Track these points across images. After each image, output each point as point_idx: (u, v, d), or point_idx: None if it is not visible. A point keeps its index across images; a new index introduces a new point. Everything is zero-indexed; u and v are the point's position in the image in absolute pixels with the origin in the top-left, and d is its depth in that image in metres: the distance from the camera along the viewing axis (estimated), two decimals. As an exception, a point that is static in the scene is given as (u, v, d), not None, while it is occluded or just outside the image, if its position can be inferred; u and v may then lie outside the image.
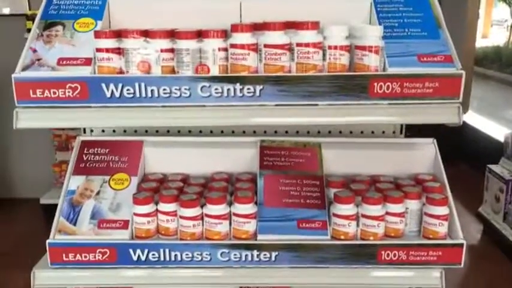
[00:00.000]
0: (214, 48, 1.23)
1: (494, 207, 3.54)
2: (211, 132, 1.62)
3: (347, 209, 1.29)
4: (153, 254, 1.29)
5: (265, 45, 1.22)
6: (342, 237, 1.29)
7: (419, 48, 1.26)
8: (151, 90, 1.22)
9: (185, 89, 1.21)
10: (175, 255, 1.29)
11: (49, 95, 1.21)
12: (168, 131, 1.61)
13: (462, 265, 1.29)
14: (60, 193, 1.38)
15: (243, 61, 1.22)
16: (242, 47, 1.22)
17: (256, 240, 1.29)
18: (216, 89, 1.21)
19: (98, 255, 1.29)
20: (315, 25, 1.22)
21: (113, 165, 1.44)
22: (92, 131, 1.61)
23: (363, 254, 1.29)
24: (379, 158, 1.50)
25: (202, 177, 1.47)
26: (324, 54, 1.24)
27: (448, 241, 1.30)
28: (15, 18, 3.82)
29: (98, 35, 1.26)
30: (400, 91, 1.21)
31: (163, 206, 1.31)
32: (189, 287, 1.48)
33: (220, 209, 1.29)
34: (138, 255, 1.29)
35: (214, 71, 1.23)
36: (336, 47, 1.23)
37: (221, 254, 1.28)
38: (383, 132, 1.61)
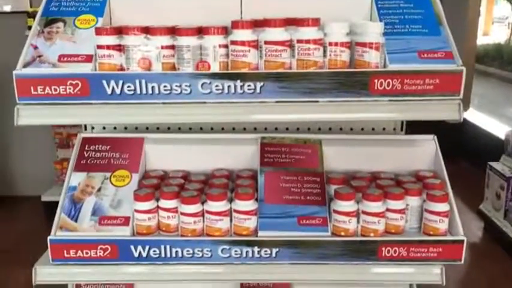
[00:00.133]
0: (214, 45, 1.23)
1: (495, 205, 3.54)
2: (211, 129, 1.62)
3: (347, 205, 1.29)
4: (154, 251, 1.29)
5: (266, 42, 1.22)
6: (343, 233, 1.30)
7: (419, 45, 1.26)
8: (152, 87, 1.22)
9: (186, 85, 1.22)
10: (176, 251, 1.29)
11: (50, 92, 1.22)
12: (169, 128, 1.61)
13: (462, 261, 1.29)
14: (61, 190, 1.39)
15: (244, 58, 1.22)
16: (243, 43, 1.22)
17: (256, 236, 1.30)
18: (216, 85, 1.21)
19: (99, 252, 1.29)
20: (316, 22, 1.22)
21: (113, 162, 1.44)
22: (93, 128, 1.62)
23: (363, 250, 1.29)
24: (380, 154, 1.50)
25: (203, 174, 1.48)
26: (324, 51, 1.24)
27: (449, 237, 1.31)
28: (16, 15, 3.82)
29: (98, 31, 1.26)
30: (400, 88, 1.21)
31: (164, 203, 1.31)
32: (190, 284, 1.49)
33: (221, 205, 1.29)
34: (139, 252, 1.29)
35: (215, 68, 1.24)
36: (336, 44, 1.23)
37: (222, 250, 1.29)
38: (383, 129, 1.61)
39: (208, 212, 1.29)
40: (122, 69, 1.26)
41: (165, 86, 1.22)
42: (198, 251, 1.29)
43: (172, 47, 1.25)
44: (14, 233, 3.55)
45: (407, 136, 1.55)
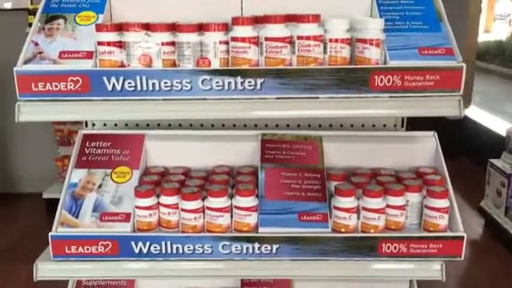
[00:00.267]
0: (215, 42, 1.23)
1: (495, 202, 3.54)
2: (212, 125, 1.62)
3: (348, 201, 1.30)
4: (155, 247, 1.29)
5: (266, 39, 1.22)
6: (343, 229, 1.30)
7: (420, 41, 1.26)
8: (153, 84, 1.22)
9: (186, 82, 1.22)
10: (177, 247, 1.29)
11: (51, 88, 1.22)
12: (170, 125, 1.62)
13: (462, 257, 1.29)
14: (62, 188, 1.39)
15: (244, 54, 1.23)
16: (243, 40, 1.22)
17: (257, 232, 1.30)
18: (217, 82, 1.21)
19: (100, 248, 1.29)
20: (316, 18, 1.23)
21: (114, 159, 1.45)
22: (93, 124, 1.62)
23: (363, 246, 1.29)
24: (380, 151, 1.50)
25: (203, 171, 1.48)
26: (324, 47, 1.24)
27: (449, 234, 1.31)
28: (17, 12, 3.82)
29: (99, 28, 1.26)
30: (400, 84, 1.21)
31: (165, 199, 1.32)
32: (190, 280, 1.49)
33: (221, 201, 1.29)
34: (140, 248, 1.29)
35: (215, 64, 1.24)
36: (336, 40, 1.23)
37: (222, 246, 1.29)
38: (384, 125, 1.61)
39: (208, 208, 1.30)
40: (122, 65, 1.26)
41: (165, 83, 1.22)
42: (199, 247, 1.29)
43: (173, 43, 1.25)
44: (16, 230, 3.56)
45: (408, 132, 1.55)
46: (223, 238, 1.29)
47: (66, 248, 1.30)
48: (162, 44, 1.24)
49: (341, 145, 1.50)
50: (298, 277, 1.47)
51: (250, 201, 1.30)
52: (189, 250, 1.29)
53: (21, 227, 3.60)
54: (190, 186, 1.35)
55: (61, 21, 1.33)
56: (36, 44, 1.28)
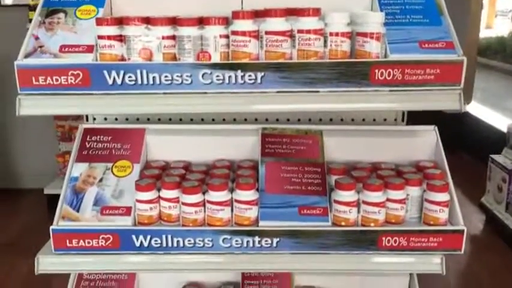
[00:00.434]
0: (215, 35, 1.23)
1: (496, 197, 3.54)
2: (213, 120, 1.62)
3: (348, 195, 1.30)
4: (156, 240, 1.30)
5: (267, 32, 1.22)
6: (343, 223, 1.30)
7: (420, 35, 1.26)
8: (153, 77, 1.22)
9: (187, 76, 1.22)
10: (178, 241, 1.30)
11: (51, 82, 1.22)
12: (170, 119, 1.62)
13: (462, 251, 1.29)
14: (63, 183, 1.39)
15: (244, 48, 1.23)
16: (243, 33, 1.22)
17: (257, 226, 1.30)
18: (217, 76, 1.22)
19: (101, 241, 1.30)
20: (316, 12, 1.22)
21: (115, 153, 1.45)
22: (94, 119, 1.62)
23: (363, 240, 1.29)
24: (381, 145, 1.50)
25: (204, 165, 1.48)
26: (325, 41, 1.24)
27: (449, 227, 1.31)
28: (17, 8, 3.82)
29: (99, 22, 1.26)
30: (401, 78, 1.21)
31: (166, 193, 1.32)
32: (191, 273, 1.50)
33: (222, 195, 1.30)
34: (141, 241, 1.30)
35: (216, 58, 1.24)
36: (337, 34, 1.23)
37: (223, 240, 1.29)
38: (384, 119, 1.61)
39: (209, 202, 1.30)
40: (122, 59, 1.26)
41: (166, 76, 1.22)
42: (199, 240, 1.30)
43: (173, 37, 1.25)
44: (17, 225, 3.57)
45: (408, 127, 1.55)
46: (223, 232, 1.29)
47: (67, 241, 1.30)
48: (163, 37, 1.24)
49: (341, 139, 1.50)
50: (298, 270, 1.47)
51: (250, 195, 1.30)
52: (189, 244, 1.30)
53: (23, 222, 3.61)
54: (190, 180, 1.35)
55: (61, 15, 1.33)
56: (37, 38, 1.29)
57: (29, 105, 1.24)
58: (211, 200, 1.30)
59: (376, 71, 1.21)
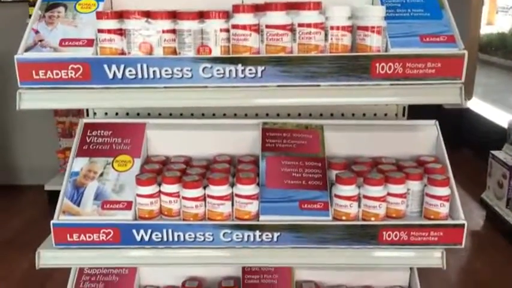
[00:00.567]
0: (216, 29, 1.23)
1: (497, 193, 3.54)
2: (213, 115, 1.62)
3: (349, 190, 1.30)
4: (156, 235, 1.30)
5: (267, 26, 1.22)
6: (344, 218, 1.30)
7: (421, 29, 1.26)
8: (153, 71, 1.22)
9: (187, 70, 1.22)
10: (178, 235, 1.30)
11: (51, 76, 1.22)
12: (171, 114, 1.61)
13: (463, 245, 1.29)
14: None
15: (245, 42, 1.22)
16: (244, 27, 1.22)
17: (258, 221, 1.30)
18: (217, 70, 1.21)
19: (102, 236, 1.30)
20: (317, 5, 1.22)
21: (115, 147, 1.45)
22: (95, 113, 1.62)
23: (364, 234, 1.29)
24: (381, 139, 1.50)
25: (204, 159, 1.48)
26: (325, 35, 1.24)
27: (449, 221, 1.31)
28: (17, 4, 3.82)
29: (99, 16, 1.26)
30: (402, 72, 1.21)
31: (166, 187, 1.32)
32: (192, 267, 1.50)
33: (222, 189, 1.29)
34: (142, 236, 1.30)
35: (216, 52, 1.24)
36: (338, 28, 1.23)
37: (224, 234, 1.29)
38: (385, 114, 1.61)
39: (210, 196, 1.30)
40: (123, 53, 1.26)
41: (166, 70, 1.22)
42: (200, 235, 1.30)
43: (174, 31, 1.25)
44: (18, 221, 3.58)
45: (409, 121, 1.55)
46: (224, 226, 1.29)
47: (68, 235, 1.30)
48: (163, 31, 1.24)
49: (342, 134, 1.49)
50: (299, 265, 1.47)
51: (251, 189, 1.30)
52: (190, 238, 1.30)
53: (23, 218, 3.62)
54: (191, 174, 1.35)
55: (61, 9, 1.33)
56: (37, 32, 1.28)
57: (29, 99, 1.24)
58: (212, 195, 1.30)
59: (377, 65, 1.21)
